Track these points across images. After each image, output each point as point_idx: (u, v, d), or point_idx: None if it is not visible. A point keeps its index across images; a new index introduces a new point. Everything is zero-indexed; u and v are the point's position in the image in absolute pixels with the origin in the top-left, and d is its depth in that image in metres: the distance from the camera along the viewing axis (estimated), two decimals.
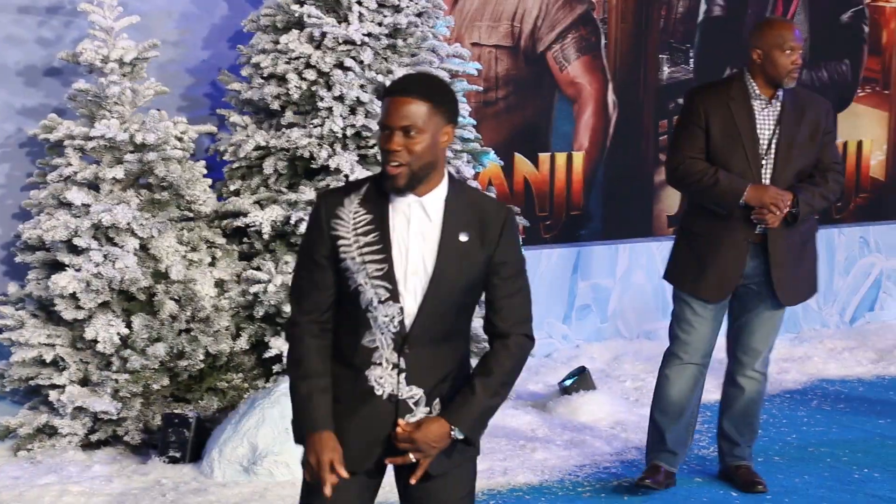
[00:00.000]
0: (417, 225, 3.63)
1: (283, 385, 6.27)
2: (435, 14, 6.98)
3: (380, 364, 3.65)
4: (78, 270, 6.27)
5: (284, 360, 6.52)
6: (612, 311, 8.55)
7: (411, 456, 3.64)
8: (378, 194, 3.65)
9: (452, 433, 3.64)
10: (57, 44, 6.89)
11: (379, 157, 6.56)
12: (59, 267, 6.40)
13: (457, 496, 3.78)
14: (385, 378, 3.66)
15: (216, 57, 7.37)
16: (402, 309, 3.62)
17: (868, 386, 7.96)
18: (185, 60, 7.31)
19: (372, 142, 6.67)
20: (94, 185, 6.51)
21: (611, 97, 8.70)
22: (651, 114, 8.84)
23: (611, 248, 8.56)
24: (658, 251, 8.62)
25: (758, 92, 5.81)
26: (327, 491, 3.59)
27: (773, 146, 5.79)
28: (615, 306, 8.54)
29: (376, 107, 6.58)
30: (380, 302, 3.61)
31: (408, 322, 3.62)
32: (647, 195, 8.88)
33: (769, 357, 6.11)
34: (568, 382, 7.38)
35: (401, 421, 3.66)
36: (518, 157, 8.47)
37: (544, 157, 8.59)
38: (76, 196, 6.33)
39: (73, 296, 6.29)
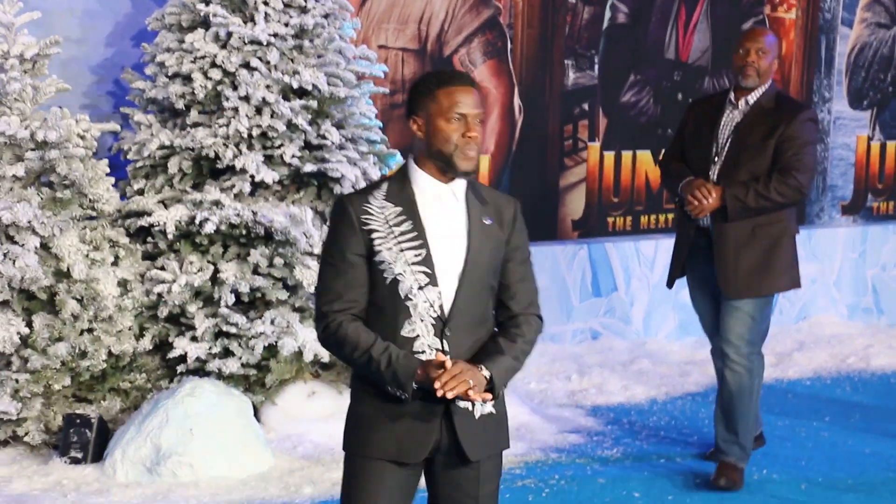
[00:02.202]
0: (451, 209, 3.76)
1: (188, 385, 6.22)
2: (342, 16, 6.98)
3: (422, 352, 3.70)
4: None
5: (200, 364, 6.48)
6: None
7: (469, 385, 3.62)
8: (402, 188, 3.76)
9: (481, 370, 3.68)
10: None
11: (284, 158, 6.57)
12: None
13: (484, 491, 3.89)
14: None
15: (120, 55, 7.31)
16: (440, 293, 3.70)
17: (767, 389, 8.03)
18: (88, 58, 7.24)
19: (278, 142, 6.65)
20: None
21: (517, 101, 8.75)
22: (556, 119, 8.90)
23: None
24: (562, 255, 8.68)
25: (732, 97, 6.19)
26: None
27: (727, 148, 6.12)
28: None
29: (282, 107, 6.56)
30: (419, 288, 3.69)
31: (446, 306, 3.71)
32: (551, 199, 8.94)
33: (748, 351, 6.22)
34: None
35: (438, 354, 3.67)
36: None
37: None
38: None
39: None
